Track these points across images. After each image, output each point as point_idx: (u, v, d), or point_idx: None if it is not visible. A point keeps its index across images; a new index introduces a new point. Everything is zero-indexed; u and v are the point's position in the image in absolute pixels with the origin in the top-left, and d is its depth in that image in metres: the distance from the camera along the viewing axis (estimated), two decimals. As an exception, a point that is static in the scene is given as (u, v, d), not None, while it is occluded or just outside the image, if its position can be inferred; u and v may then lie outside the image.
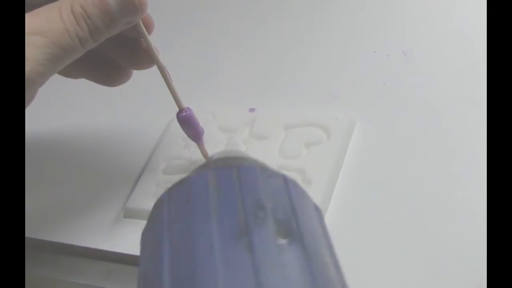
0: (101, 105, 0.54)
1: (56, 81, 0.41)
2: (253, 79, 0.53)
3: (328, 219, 0.42)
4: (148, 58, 0.43)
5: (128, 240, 0.45)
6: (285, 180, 0.32)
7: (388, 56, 0.51)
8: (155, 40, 0.43)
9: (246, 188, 0.30)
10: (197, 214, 0.29)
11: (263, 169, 0.32)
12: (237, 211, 0.29)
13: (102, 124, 0.53)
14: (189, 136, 0.45)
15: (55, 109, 0.55)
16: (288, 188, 0.31)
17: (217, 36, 0.58)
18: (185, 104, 0.44)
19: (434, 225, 0.40)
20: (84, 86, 0.48)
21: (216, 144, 0.47)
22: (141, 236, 0.32)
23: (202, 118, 0.49)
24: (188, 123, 0.44)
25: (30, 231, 0.41)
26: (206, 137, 0.46)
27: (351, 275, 0.39)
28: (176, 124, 0.45)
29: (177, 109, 0.44)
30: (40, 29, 0.37)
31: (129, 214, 0.46)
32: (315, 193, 0.42)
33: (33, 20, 0.37)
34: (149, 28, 0.42)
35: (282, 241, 0.28)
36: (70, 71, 0.43)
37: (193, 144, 0.46)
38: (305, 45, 0.54)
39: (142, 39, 0.42)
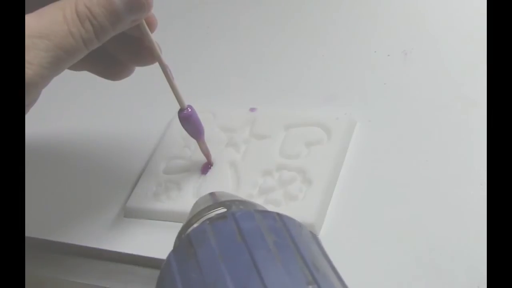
0: (101, 106, 0.54)
1: (57, 80, 0.41)
2: (253, 79, 0.53)
3: (328, 218, 0.42)
4: (150, 55, 0.43)
5: (128, 239, 0.45)
6: (279, 216, 0.32)
7: (388, 56, 0.51)
8: (156, 40, 0.43)
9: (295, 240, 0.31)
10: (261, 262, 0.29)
11: (259, 212, 0.33)
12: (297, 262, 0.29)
13: (102, 124, 0.53)
14: (189, 134, 0.45)
15: (55, 109, 0.55)
16: (288, 230, 0.32)
17: (217, 36, 0.58)
18: (186, 103, 0.44)
19: (434, 225, 0.40)
20: (85, 85, 0.48)
21: (217, 143, 0.47)
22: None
23: (202, 118, 0.49)
24: (189, 121, 0.44)
25: (30, 230, 0.41)
26: (207, 137, 0.46)
27: (351, 274, 0.39)
28: (176, 124, 0.45)
29: (177, 109, 0.44)
30: (43, 32, 0.37)
31: (129, 213, 0.46)
32: (315, 193, 0.42)
33: (36, 22, 0.37)
34: (152, 27, 0.42)
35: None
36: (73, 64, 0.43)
37: (193, 144, 0.46)
38: (305, 45, 0.54)
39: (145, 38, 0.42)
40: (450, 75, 0.48)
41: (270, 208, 0.43)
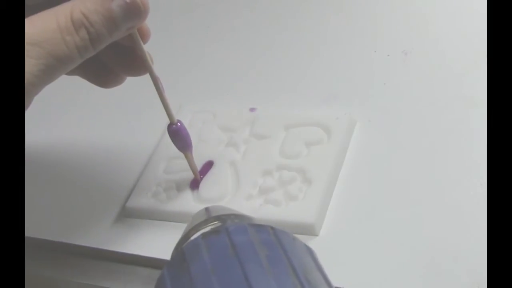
0: (101, 105, 0.54)
1: (58, 81, 0.40)
2: (253, 79, 0.53)
3: (328, 218, 0.42)
4: (142, 66, 0.42)
5: (128, 239, 0.45)
6: (273, 230, 0.32)
7: (388, 56, 0.51)
8: (156, 40, 0.43)
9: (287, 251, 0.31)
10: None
11: (253, 225, 0.32)
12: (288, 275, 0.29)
13: (102, 124, 0.53)
14: (177, 147, 0.44)
15: (56, 109, 0.55)
16: (281, 243, 0.31)
17: (217, 36, 0.58)
18: (186, 104, 0.44)
19: (434, 225, 0.40)
20: (85, 84, 0.48)
21: (217, 143, 0.47)
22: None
23: (203, 118, 0.49)
24: (177, 136, 0.44)
25: (31, 230, 0.41)
26: (207, 137, 0.46)
27: (351, 274, 0.39)
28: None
29: (178, 107, 0.44)
30: (36, 39, 0.36)
31: (129, 213, 0.46)
32: (315, 193, 0.42)
33: (28, 29, 0.36)
34: (145, 37, 0.41)
35: None
36: None
37: (193, 143, 0.46)
38: (305, 45, 0.54)
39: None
40: (450, 75, 0.48)
41: (270, 208, 0.43)
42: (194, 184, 0.46)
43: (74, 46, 0.37)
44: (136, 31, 0.40)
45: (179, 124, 0.44)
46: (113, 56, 0.43)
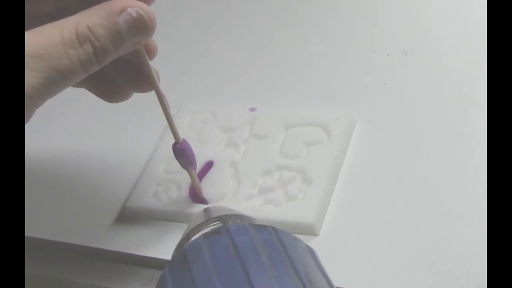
0: (102, 105, 0.54)
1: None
2: (253, 79, 0.53)
3: (328, 218, 0.42)
4: (148, 83, 0.41)
5: (128, 239, 0.45)
6: (274, 230, 0.32)
7: (388, 56, 0.51)
8: (156, 40, 0.43)
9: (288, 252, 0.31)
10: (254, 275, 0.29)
11: (254, 226, 0.32)
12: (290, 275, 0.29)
13: (103, 123, 0.53)
14: (181, 165, 0.44)
15: (56, 108, 0.55)
16: (283, 244, 0.31)
17: (217, 36, 0.58)
18: (186, 104, 0.44)
19: (434, 225, 0.40)
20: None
21: (217, 143, 0.47)
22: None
23: (202, 118, 0.49)
24: (182, 155, 0.43)
25: (31, 230, 0.41)
26: (207, 137, 0.46)
27: (351, 274, 0.39)
28: (176, 123, 0.45)
29: (179, 106, 0.44)
30: (38, 52, 0.35)
31: (129, 213, 0.46)
32: (315, 193, 0.42)
33: (31, 41, 0.35)
34: (151, 54, 0.41)
35: None
36: None
37: (193, 143, 0.46)
38: (305, 45, 0.54)
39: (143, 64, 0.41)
40: (450, 75, 0.48)
41: (270, 208, 0.43)
42: (196, 200, 0.45)
43: (77, 60, 0.36)
44: (143, 47, 0.40)
45: (183, 143, 0.43)
46: (119, 71, 0.42)
